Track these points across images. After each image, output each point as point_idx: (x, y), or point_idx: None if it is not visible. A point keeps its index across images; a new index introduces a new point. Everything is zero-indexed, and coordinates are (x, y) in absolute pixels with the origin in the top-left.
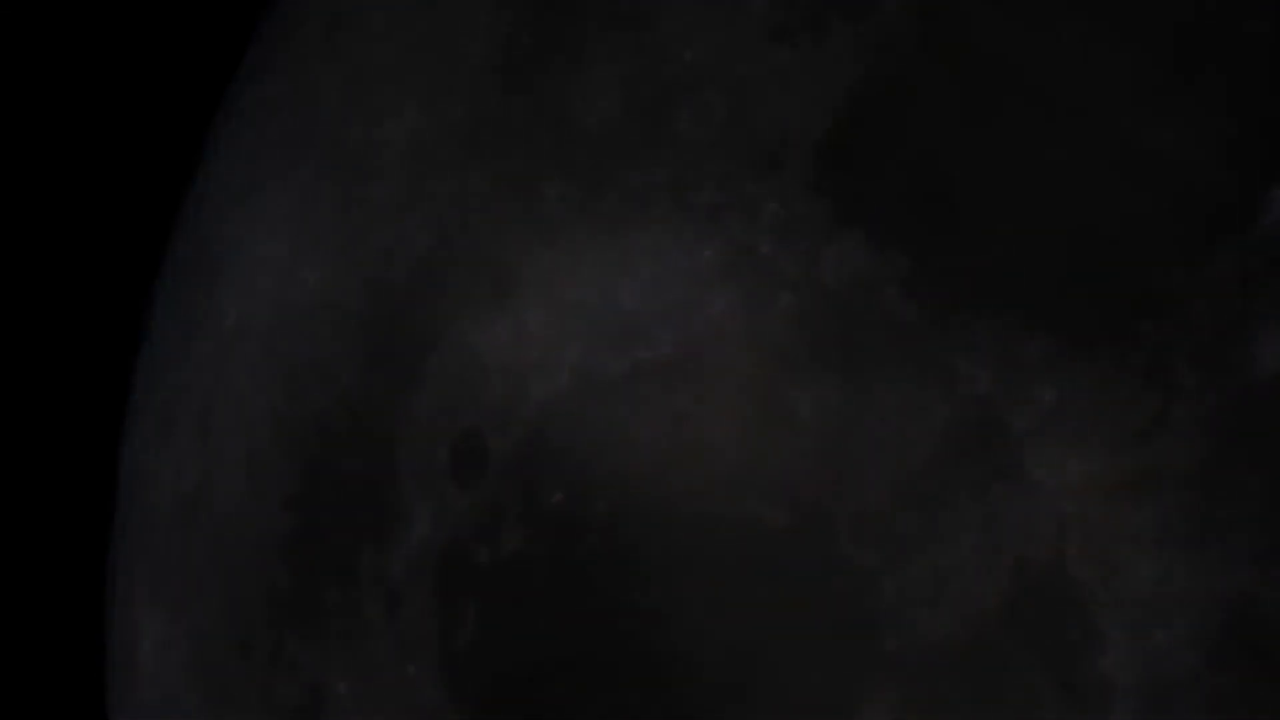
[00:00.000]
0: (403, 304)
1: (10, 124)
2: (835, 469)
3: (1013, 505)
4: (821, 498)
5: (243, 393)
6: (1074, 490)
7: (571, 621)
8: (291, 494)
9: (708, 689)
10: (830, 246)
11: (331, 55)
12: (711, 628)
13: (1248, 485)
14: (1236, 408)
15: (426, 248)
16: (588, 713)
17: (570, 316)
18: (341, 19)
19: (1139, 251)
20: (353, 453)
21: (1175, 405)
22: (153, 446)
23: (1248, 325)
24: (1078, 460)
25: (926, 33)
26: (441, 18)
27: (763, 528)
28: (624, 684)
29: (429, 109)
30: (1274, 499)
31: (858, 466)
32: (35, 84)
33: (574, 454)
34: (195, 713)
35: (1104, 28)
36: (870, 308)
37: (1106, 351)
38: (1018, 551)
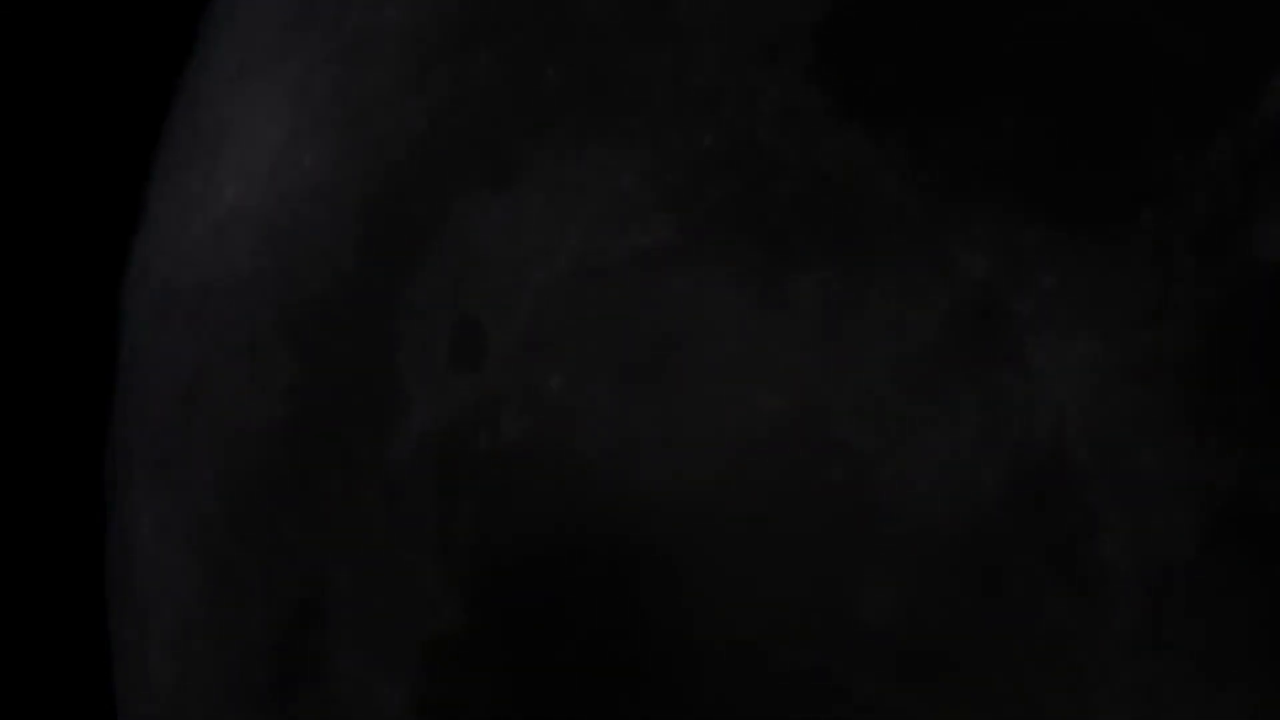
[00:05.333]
0: (401, 188)
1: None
2: (834, 356)
3: (1012, 391)
4: (821, 384)
5: (240, 277)
6: (1074, 377)
7: (571, 511)
8: (289, 381)
9: (707, 577)
10: (829, 133)
11: None
12: (711, 515)
13: (1248, 372)
14: (1236, 294)
15: (425, 131)
16: (588, 602)
17: (570, 202)
18: None
19: (1139, 138)
20: (351, 339)
21: (1175, 292)
22: (150, 330)
23: (1248, 212)
24: (1077, 346)
25: None
26: None
27: (762, 414)
28: (624, 573)
29: None
30: (1274, 386)
31: (857, 353)
32: None
33: (574, 341)
34: (194, 601)
35: None
36: (869, 195)
37: (1106, 238)
38: (1017, 438)
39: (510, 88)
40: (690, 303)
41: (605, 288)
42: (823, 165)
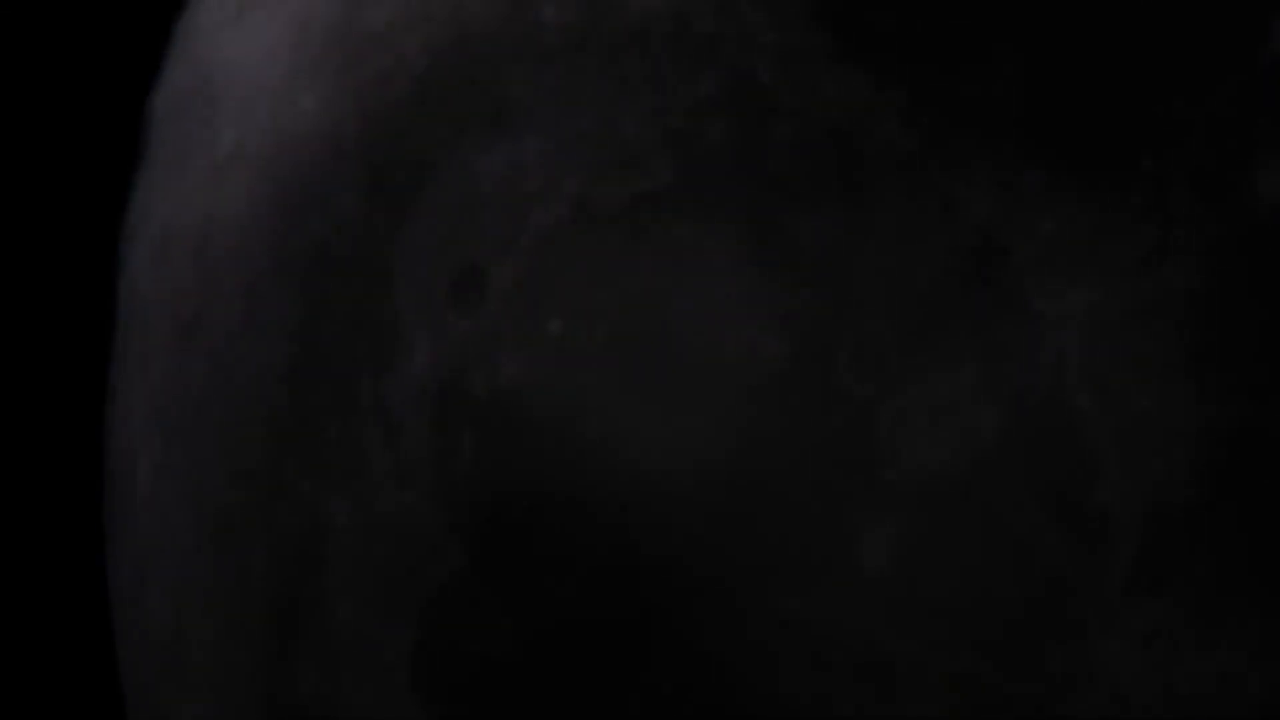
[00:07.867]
0: (401, 130)
1: None
2: (834, 299)
3: (1012, 335)
4: (820, 328)
5: (240, 219)
6: (1074, 320)
7: (569, 453)
8: (290, 323)
9: (708, 518)
10: (830, 76)
11: None
12: (711, 457)
13: (1248, 315)
14: (1236, 237)
15: (425, 73)
16: (586, 543)
17: (569, 145)
18: None
19: (1140, 81)
20: (352, 281)
21: (1175, 235)
22: (150, 271)
23: (1248, 155)
24: (1077, 290)
25: None
26: None
27: (762, 358)
28: (623, 514)
29: None
30: (1274, 329)
31: (857, 296)
32: None
33: (573, 284)
34: (193, 545)
35: None
36: (869, 138)
37: (1106, 181)
38: (1017, 381)
39: (510, 29)
40: (690, 247)
41: (605, 231)
42: (823, 108)
